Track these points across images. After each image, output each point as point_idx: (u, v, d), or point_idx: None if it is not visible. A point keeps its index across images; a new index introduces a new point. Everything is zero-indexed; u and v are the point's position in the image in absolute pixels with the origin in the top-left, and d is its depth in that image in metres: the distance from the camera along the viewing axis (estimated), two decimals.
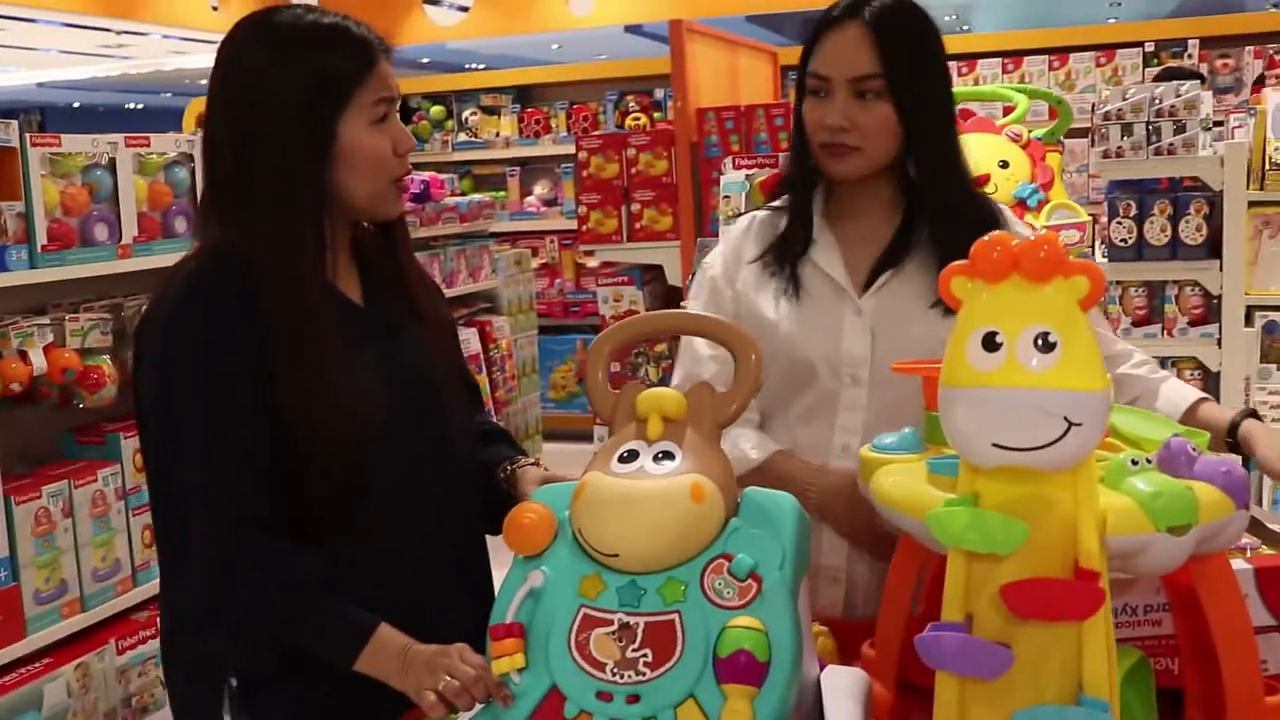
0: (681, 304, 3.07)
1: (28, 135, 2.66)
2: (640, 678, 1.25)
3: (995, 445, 1.11)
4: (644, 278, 4.67)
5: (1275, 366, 4.19)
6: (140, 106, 21.74)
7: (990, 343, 1.11)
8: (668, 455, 1.33)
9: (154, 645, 2.96)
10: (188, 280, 1.67)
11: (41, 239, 2.69)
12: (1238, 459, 1.60)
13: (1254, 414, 1.75)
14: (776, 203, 2.01)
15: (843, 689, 1.38)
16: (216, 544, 1.58)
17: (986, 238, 1.14)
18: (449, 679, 1.41)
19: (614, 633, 1.27)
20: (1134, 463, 1.22)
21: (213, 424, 1.60)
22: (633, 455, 1.34)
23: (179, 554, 1.67)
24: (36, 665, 2.67)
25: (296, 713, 1.70)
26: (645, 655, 1.25)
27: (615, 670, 1.25)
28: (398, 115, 1.72)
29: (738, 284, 1.97)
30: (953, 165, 1.89)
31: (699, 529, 1.29)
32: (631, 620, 1.27)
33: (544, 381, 6.39)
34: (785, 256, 1.92)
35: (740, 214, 2.86)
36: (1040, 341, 1.09)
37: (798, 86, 1.90)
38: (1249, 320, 4.08)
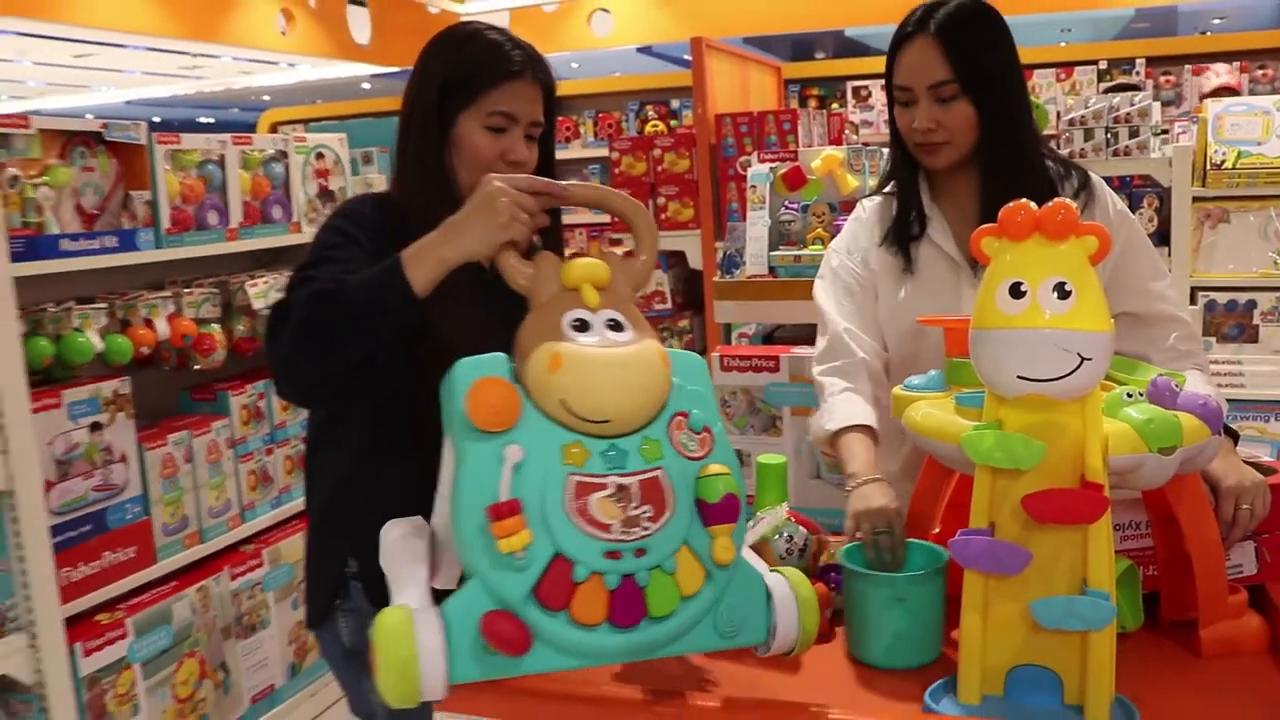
0: (720, 278, 3.10)
1: (154, 134, 2.71)
2: (645, 532, 1.17)
3: (1020, 377, 1.15)
4: (668, 263, 4.71)
5: (1214, 339, 4.26)
6: (212, 120, 21.75)
7: (1016, 291, 1.15)
8: (616, 324, 1.25)
9: (260, 573, 3.03)
10: (354, 197, 1.83)
11: (165, 223, 2.74)
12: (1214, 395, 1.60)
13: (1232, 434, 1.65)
14: (886, 190, 2.01)
15: None
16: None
17: (1011, 205, 1.18)
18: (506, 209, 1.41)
19: (612, 495, 1.17)
20: (1129, 395, 1.27)
21: (332, 244, 1.66)
22: (584, 325, 1.24)
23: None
24: (165, 587, 2.74)
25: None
26: (647, 511, 1.18)
27: (622, 529, 1.16)
28: (521, 133, 1.75)
29: (871, 265, 1.96)
30: (1024, 146, 1.86)
31: (666, 390, 1.25)
32: (625, 481, 1.18)
33: None
34: (903, 239, 1.93)
35: (765, 201, 2.92)
36: (1058, 290, 1.14)
37: (888, 96, 1.90)
38: (1193, 300, 4.14)
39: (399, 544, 1.29)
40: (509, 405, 1.17)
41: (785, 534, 1.62)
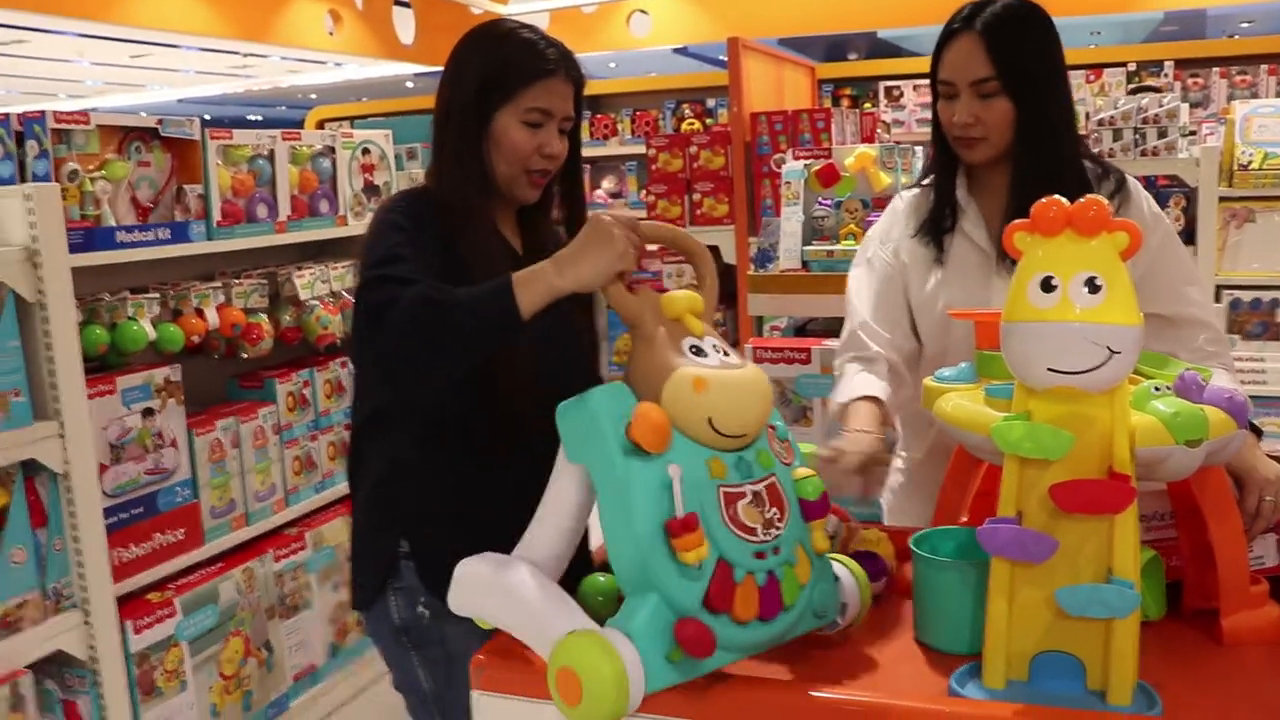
0: (753, 272, 3.10)
1: (207, 130, 2.73)
2: (779, 531, 1.25)
3: (1050, 370, 1.15)
4: None
5: (1238, 337, 4.23)
6: (259, 118, 21.91)
7: (1047, 285, 1.15)
8: (717, 348, 1.33)
9: (303, 555, 3.06)
10: (396, 193, 1.83)
11: (217, 216, 2.76)
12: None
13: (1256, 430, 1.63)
14: (924, 182, 2.03)
15: None
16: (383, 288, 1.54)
17: (1044, 200, 1.18)
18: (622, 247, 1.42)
19: (751, 501, 1.25)
20: (1156, 389, 1.26)
21: (398, 242, 1.64)
22: (700, 350, 1.31)
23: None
24: (212, 568, 2.76)
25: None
26: (775, 513, 1.26)
27: (764, 531, 1.24)
28: (555, 128, 1.77)
29: (902, 256, 1.99)
30: (1061, 145, 1.86)
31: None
32: (757, 488, 1.26)
33: (609, 347, 6.43)
34: (937, 230, 1.95)
35: (799, 197, 2.91)
36: (1089, 285, 1.13)
37: (932, 90, 1.91)
38: (1218, 298, 4.10)
39: (501, 577, 1.31)
40: (668, 427, 1.22)
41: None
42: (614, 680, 1.14)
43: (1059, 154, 1.86)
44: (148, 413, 2.56)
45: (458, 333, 1.47)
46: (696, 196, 4.45)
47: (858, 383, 1.89)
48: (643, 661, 1.16)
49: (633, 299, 1.36)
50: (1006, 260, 1.85)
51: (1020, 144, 1.85)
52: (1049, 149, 1.85)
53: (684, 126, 6.91)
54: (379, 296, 1.53)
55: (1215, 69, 6.74)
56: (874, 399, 1.83)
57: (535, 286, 1.46)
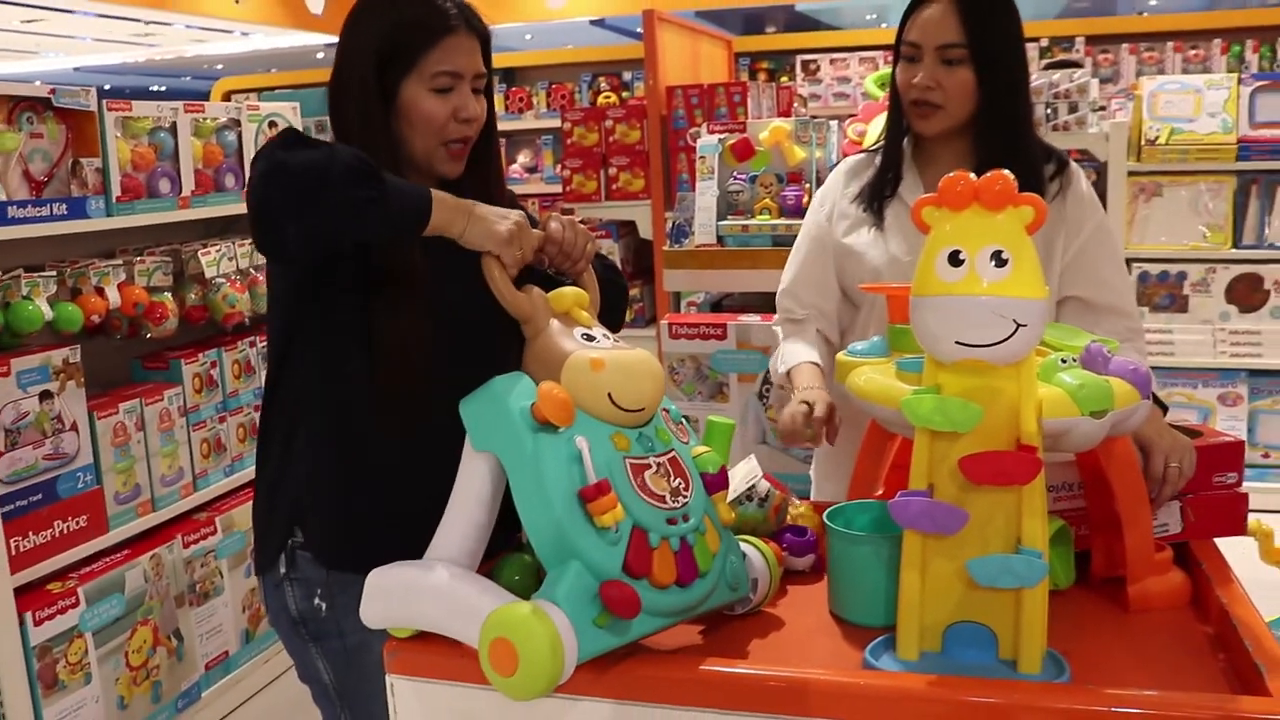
0: (669, 248, 3.10)
1: (104, 101, 2.66)
2: (686, 499, 1.32)
3: (958, 343, 1.16)
4: (619, 232, 4.72)
5: (1146, 309, 4.35)
6: (164, 88, 21.33)
7: (954, 259, 1.16)
8: (606, 335, 1.41)
9: (214, 540, 3.01)
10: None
11: (116, 191, 2.70)
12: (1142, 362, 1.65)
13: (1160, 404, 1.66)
14: (871, 149, 2.07)
15: None
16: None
17: (951, 175, 1.19)
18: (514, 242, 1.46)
19: (656, 471, 1.31)
20: (1063, 361, 1.29)
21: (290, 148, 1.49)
22: (591, 337, 1.39)
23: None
24: (117, 555, 2.71)
25: (348, 558, 1.65)
26: (680, 484, 1.33)
27: (672, 499, 1.30)
28: (468, 88, 1.66)
29: (834, 220, 2.03)
30: (1018, 124, 1.90)
31: None
32: (661, 460, 1.33)
33: None
34: (876, 195, 1.98)
35: (714, 172, 2.92)
36: (995, 258, 1.15)
37: (894, 53, 1.93)
38: (1127, 271, 4.22)
39: (417, 579, 1.32)
40: (571, 401, 1.28)
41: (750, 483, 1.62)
42: (550, 643, 1.15)
43: (1019, 130, 1.90)
44: (45, 395, 2.49)
45: (375, 203, 1.40)
46: (612, 171, 4.44)
47: (792, 350, 1.97)
48: (573, 626, 1.18)
49: (523, 297, 1.43)
50: None
51: (983, 119, 1.89)
52: (1010, 126, 1.89)
53: (600, 100, 6.88)
54: (293, 137, 1.45)
55: (1125, 45, 6.89)
56: (813, 362, 1.93)
57: (445, 211, 1.45)
